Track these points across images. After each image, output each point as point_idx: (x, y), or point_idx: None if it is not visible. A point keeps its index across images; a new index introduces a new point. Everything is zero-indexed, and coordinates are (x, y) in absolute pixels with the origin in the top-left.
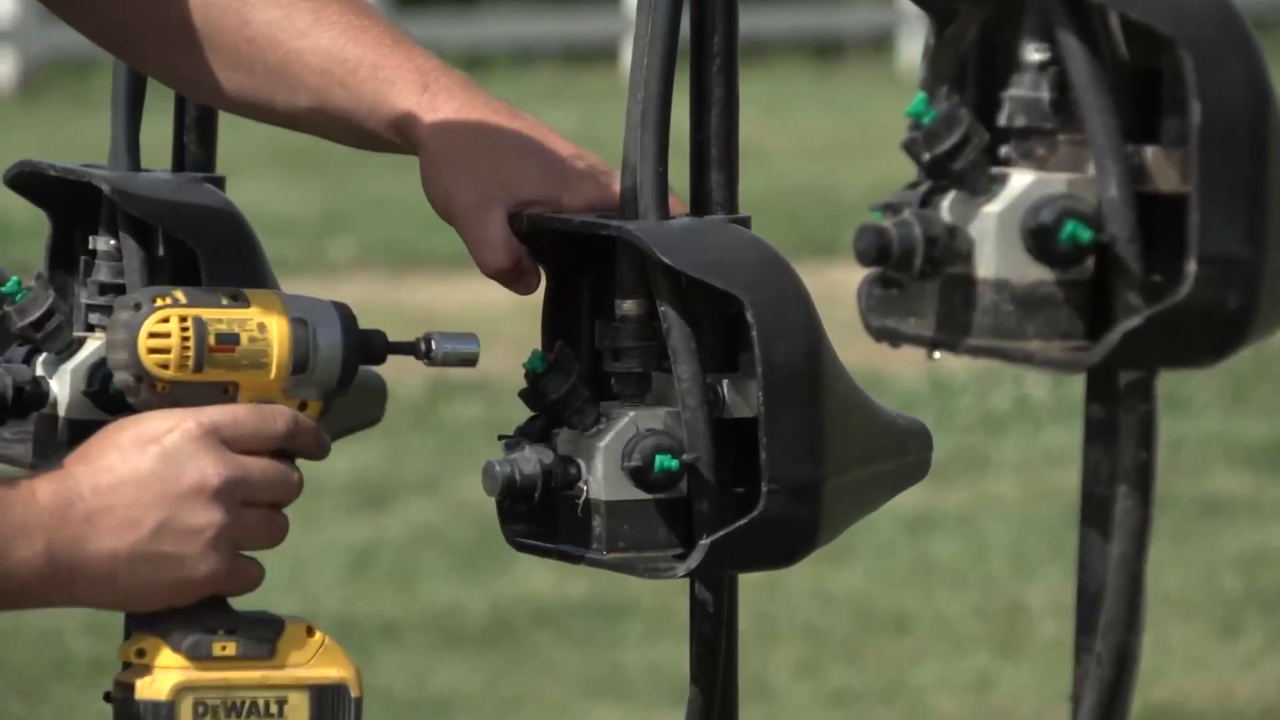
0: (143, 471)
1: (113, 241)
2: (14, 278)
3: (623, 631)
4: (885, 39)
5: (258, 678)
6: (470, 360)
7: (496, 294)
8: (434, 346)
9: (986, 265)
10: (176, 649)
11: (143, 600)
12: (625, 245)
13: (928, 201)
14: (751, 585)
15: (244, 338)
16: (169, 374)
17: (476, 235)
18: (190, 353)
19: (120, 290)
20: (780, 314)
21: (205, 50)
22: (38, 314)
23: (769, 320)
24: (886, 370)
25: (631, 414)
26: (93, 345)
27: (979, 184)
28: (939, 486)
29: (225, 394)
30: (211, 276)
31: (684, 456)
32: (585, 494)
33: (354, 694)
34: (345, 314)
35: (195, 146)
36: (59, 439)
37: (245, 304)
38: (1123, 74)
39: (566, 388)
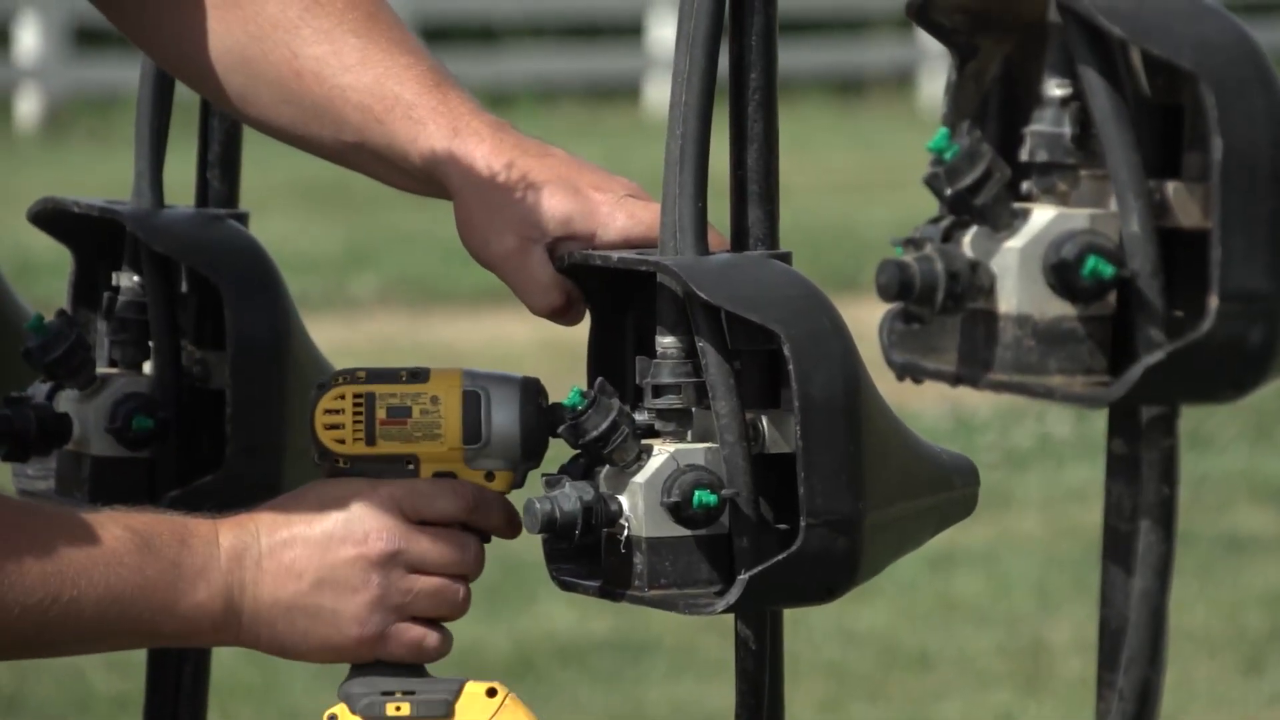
0: (315, 531)
1: (136, 278)
2: (37, 314)
3: (646, 669)
4: (907, 75)
5: None
6: None
7: (519, 330)
8: None
9: (1008, 300)
10: (354, 709)
11: (300, 651)
12: (664, 281)
13: (950, 237)
14: None
15: (415, 411)
16: (345, 449)
17: (523, 278)
18: (362, 427)
19: (143, 327)
20: (817, 348)
21: (257, 81)
22: (61, 350)
23: (806, 354)
24: (908, 406)
25: (672, 450)
26: (115, 382)
27: (1001, 219)
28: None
29: (407, 467)
30: (234, 312)
31: (723, 492)
32: (627, 531)
33: None
34: (528, 387)
35: (219, 183)
36: (82, 475)
37: (423, 380)
38: (1144, 109)
39: (605, 425)
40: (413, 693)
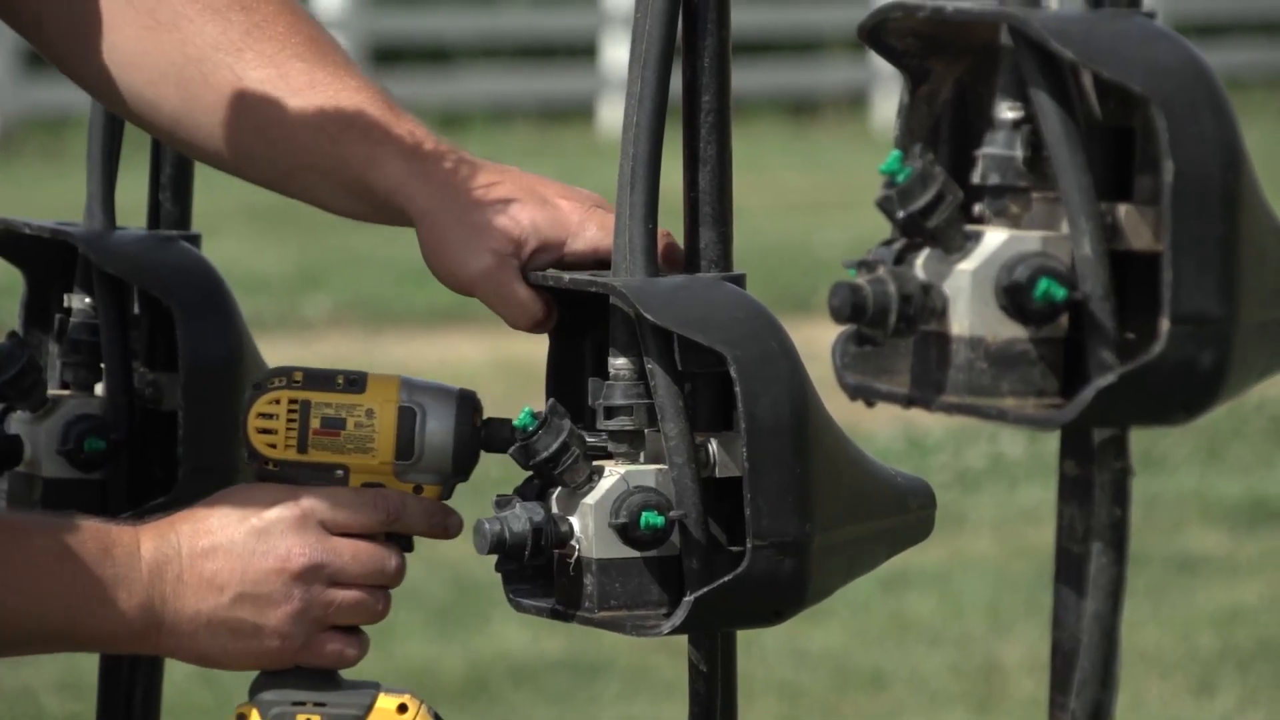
0: (235, 541)
1: (87, 299)
2: None
3: (599, 689)
4: (860, 97)
5: None
6: None
7: (473, 350)
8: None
9: (961, 322)
10: (265, 717)
11: (220, 661)
12: (615, 302)
13: (902, 259)
14: None
15: (350, 423)
16: (276, 454)
17: (503, 297)
18: (295, 434)
19: (95, 348)
20: (765, 370)
21: (195, 105)
22: (12, 372)
23: (753, 376)
24: (861, 428)
25: (624, 471)
26: (67, 403)
27: (953, 241)
28: None
29: (335, 476)
30: (186, 334)
31: (671, 513)
32: (577, 552)
33: None
34: (465, 403)
35: (170, 204)
36: (33, 497)
37: (360, 389)
38: (1096, 132)
39: (555, 446)
40: (324, 704)
